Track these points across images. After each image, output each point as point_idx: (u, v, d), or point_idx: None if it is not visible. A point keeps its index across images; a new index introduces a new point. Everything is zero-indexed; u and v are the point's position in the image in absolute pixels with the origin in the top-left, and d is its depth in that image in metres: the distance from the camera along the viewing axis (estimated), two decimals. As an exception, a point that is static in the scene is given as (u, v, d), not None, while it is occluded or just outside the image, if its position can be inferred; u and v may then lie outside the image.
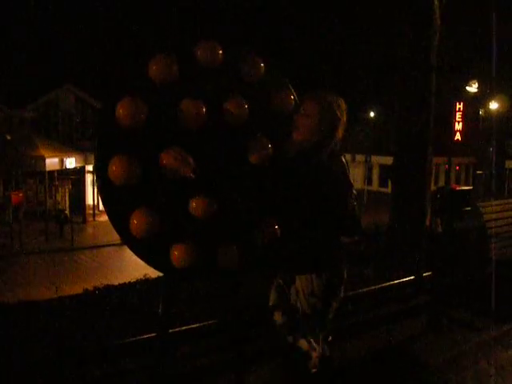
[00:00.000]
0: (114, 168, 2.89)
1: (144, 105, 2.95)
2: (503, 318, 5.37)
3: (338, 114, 3.00)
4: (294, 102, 3.43)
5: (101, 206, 30.13)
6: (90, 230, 27.05)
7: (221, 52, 3.17)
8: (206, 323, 4.18)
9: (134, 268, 18.37)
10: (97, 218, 28.96)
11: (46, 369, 3.82)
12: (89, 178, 30.26)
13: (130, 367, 3.91)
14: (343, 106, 3.05)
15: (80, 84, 31.17)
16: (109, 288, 7.54)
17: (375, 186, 41.42)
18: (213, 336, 4.20)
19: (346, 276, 3.16)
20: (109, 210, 2.99)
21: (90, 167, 29.72)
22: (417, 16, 7.61)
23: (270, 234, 3.24)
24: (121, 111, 2.90)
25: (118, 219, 2.98)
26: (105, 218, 28.67)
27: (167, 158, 2.97)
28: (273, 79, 3.41)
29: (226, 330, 4.01)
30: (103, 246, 22.57)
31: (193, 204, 3.07)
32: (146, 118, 2.96)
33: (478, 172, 36.36)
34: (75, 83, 31.28)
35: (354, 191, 3.00)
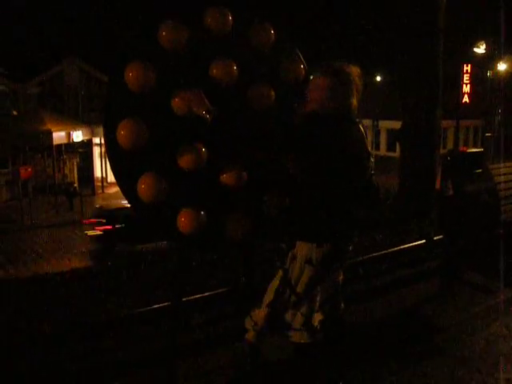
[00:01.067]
0: (122, 132, 2.89)
1: (153, 69, 2.93)
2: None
3: (351, 83, 2.93)
4: (303, 72, 3.39)
5: (109, 178, 30.24)
6: (99, 201, 27.13)
7: (230, 18, 3.12)
8: (218, 291, 4.20)
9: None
10: (106, 190, 29.04)
11: (60, 339, 3.87)
12: (96, 150, 30.25)
13: (144, 336, 3.95)
14: (355, 72, 2.98)
15: (84, 56, 30.93)
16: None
17: (383, 151, 41.23)
18: (227, 304, 4.22)
19: (350, 249, 3.12)
20: (117, 174, 3.01)
21: (97, 140, 29.70)
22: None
23: (279, 204, 3.23)
24: (130, 75, 2.89)
25: (126, 184, 2.99)
26: (114, 189, 28.76)
27: (183, 97, 2.94)
28: (283, 48, 3.37)
29: (239, 298, 4.04)
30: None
31: (223, 175, 3.09)
32: (155, 83, 2.94)
33: (487, 134, 36.02)
34: (79, 56, 31.04)
35: (372, 160, 2.97)
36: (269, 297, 3.14)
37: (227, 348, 3.83)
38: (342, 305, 3.27)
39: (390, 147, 39.80)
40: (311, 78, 3.08)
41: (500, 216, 5.42)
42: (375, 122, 38.78)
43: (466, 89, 31.98)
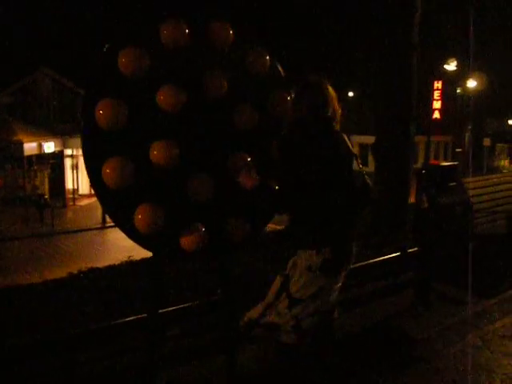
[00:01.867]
0: (101, 111, 2.85)
1: (147, 56, 2.94)
2: (487, 291, 5.45)
3: (323, 92, 3.10)
4: (268, 62, 3.39)
5: (81, 190, 29.95)
6: (70, 214, 26.82)
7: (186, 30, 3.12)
8: (195, 302, 4.16)
9: (116, 251, 18.40)
10: (77, 203, 28.74)
11: (35, 354, 3.78)
12: (68, 162, 29.96)
13: (120, 349, 3.89)
14: (326, 85, 3.15)
15: (57, 67, 30.66)
16: (94, 271, 7.53)
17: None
18: (203, 315, 4.18)
19: (353, 253, 3.16)
20: (86, 156, 2.96)
21: (68, 151, 29.44)
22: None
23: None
24: (123, 59, 2.88)
25: (94, 166, 2.93)
26: (85, 201, 28.50)
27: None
28: (245, 42, 3.37)
29: (217, 309, 4.00)
30: (84, 230, 22.38)
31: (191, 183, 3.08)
32: (147, 68, 2.94)
33: (458, 150, 36.68)
34: (52, 66, 30.78)
35: (360, 161, 3.11)
36: (268, 299, 3.18)
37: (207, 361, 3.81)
38: (337, 312, 3.29)
39: (364, 162, 40.20)
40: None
41: (473, 228, 5.51)
42: (348, 137, 39.09)
43: (437, 105, 32.49)
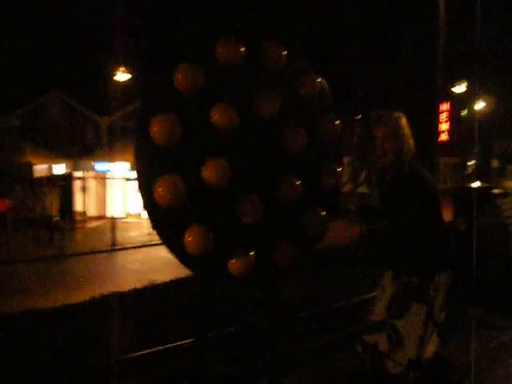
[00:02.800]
0: (156, 127, 2.83)
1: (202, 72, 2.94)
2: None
3: (401, 130, 3.27)
4: (319, 85, 3.39)
5: (89, 213, 29.95)
6: (79, 236, 26.71)
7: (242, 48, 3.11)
8: (234, 328, 4.10)
9: (126, 273, 18.30)
10: (86, 225, 28.68)
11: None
12: (77, 184, 30.01)
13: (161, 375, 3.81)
14: (404, 120, 3.33)
15: (67, 89, 30.88)
16: (115, 295, 7.48)
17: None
18: (243, 342, 4.11)
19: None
20: (139, 174, 2.97)
21: (78, 173, 29.47)
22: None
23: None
24: (179, 75, 2.89)
25: (146, 184, 2.91)
26: (93, 224, 28.46)
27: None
28: (296, 65, 3.37)
29: (258, 335, 3.94)
30: (94, 252, 22.30)
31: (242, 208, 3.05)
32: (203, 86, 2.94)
33: (467, 172, 36.66)
34: (62, 88, 31.01)
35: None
36: (416, 333, 3.16)
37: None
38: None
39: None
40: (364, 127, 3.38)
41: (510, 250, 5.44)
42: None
43: (445, 126, 32.49)
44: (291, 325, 4.19)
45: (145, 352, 3.76)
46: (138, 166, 2.92)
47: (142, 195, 2.94)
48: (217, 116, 2.93)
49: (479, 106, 32.99)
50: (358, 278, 7.19)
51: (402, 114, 3.34)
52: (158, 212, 2.91)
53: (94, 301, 6.75)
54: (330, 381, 3.95)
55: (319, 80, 3.33)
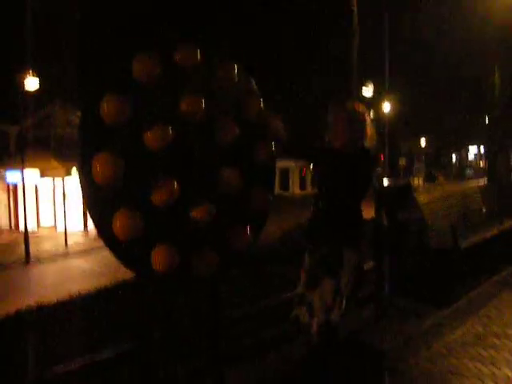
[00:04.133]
0: (98, 167, 2.85)
1: (128, 102, 2.93)
2: (443, 302, 5.72)
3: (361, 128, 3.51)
4: (259, 109, 3.52)
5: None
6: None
7: (199, 55, 3.20)
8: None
9: (42, 286, 17.64)
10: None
11: None
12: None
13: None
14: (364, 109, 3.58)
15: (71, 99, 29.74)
16: (42, 307, 7.26)
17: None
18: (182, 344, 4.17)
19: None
20: (92, 211, 2.99)
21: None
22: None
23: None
24: (105, 106, 2.87)
25: (101, 221, 2.95)
26: (5, 237, 27.25)
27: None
28: (243, 85, 3.49)
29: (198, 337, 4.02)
30: (8, 266, 21.40)
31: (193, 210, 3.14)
32: (129, 116, 2.94)
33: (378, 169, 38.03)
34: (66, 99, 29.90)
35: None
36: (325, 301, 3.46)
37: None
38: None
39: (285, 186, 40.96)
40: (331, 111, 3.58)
41: (428, 242, 5.81)
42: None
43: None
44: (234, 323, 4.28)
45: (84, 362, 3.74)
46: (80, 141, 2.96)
47: (80, 172, 2.97)
48: (150, 137, 2.97)
49: (386, 108, 34.31)
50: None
51: (357, 103, 3.61)
52: (93, 190, 2.92)
53: (13, 315, 6.51)
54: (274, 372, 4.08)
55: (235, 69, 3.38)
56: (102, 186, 2.88)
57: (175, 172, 3.08)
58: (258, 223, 3.55)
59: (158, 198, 3.01)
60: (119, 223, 2.91)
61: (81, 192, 2.95)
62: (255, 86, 3.59)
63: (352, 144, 3.45)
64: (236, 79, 3.42)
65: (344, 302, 3.43)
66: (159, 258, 3.03)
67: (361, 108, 3.55)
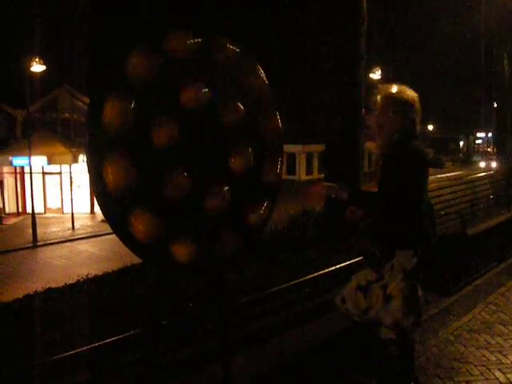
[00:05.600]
0: (110, 172, 2.82)
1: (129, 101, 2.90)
2: (448, 290, 5.71)
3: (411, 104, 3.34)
4: (263, 84, 3.46)
5: (7, 209, 28.77)
6: (-1, 233, 25.74)
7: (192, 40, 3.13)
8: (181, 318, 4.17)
9: (50, 270, 17.77)
10: (5, 222, 27.58)
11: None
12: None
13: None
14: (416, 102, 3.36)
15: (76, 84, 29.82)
16: (49, 291, 7.32)
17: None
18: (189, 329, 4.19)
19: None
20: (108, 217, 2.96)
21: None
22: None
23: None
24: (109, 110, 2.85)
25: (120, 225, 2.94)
26: (12, 221, 27.37)
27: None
28: (244, 63, 3.41)
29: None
30: (15, 250, 21.56)
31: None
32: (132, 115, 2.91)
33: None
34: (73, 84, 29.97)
35: None
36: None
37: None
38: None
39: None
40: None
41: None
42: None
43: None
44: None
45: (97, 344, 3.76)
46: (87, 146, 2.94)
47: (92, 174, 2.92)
48: (156, 135, 2.94)
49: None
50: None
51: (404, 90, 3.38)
52: (106, 195, 2.88)
53: (27, 297, 6.58)
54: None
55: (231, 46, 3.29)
56: (115, 190, 2.86)
57: (187, 164, 3.05)
58: (272, 197, 3.52)
59: (173, 193, 2.99)
60: (137, 226, 2.90)
61: (90, 187, 2.93)
62: (255, 62, 3.51)
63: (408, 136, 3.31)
64: (234, 57, 3.34)
65: (400, 303, 3.26)
66: (181, 250, 3.05)
67: (414, 97, 3.38)
